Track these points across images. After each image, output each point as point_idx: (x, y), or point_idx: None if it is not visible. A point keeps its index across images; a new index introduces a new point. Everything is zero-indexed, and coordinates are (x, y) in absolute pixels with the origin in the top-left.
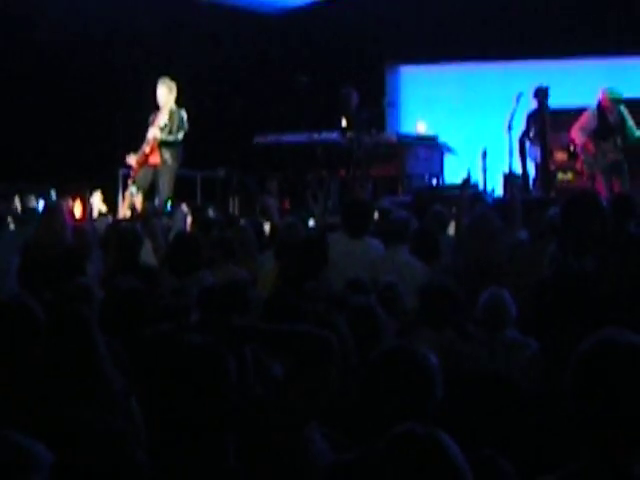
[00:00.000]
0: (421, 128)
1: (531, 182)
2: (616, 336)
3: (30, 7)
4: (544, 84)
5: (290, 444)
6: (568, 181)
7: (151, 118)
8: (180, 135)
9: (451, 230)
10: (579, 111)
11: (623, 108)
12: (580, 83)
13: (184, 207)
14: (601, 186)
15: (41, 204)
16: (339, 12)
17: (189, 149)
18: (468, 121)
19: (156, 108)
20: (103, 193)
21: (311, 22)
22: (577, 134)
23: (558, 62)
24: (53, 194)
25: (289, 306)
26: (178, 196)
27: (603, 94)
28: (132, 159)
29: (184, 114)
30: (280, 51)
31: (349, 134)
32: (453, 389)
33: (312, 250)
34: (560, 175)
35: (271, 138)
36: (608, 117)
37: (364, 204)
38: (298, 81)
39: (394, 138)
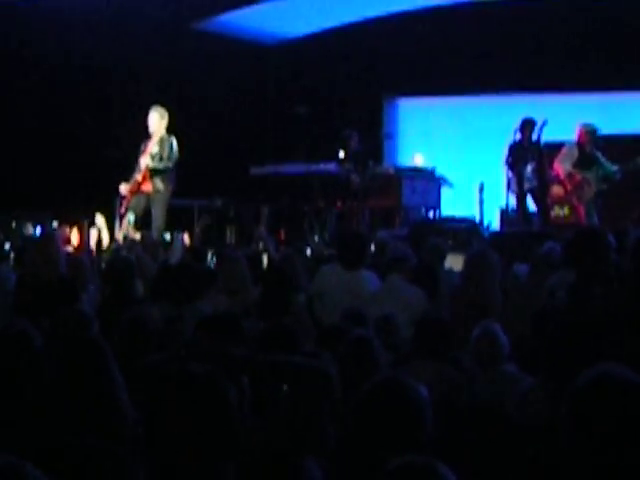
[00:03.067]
0: (418, 160)
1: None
2: (612, 371)
3: (29, 38)
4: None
5: (286, 474)
6: (564, 216)
7: (142, 146)
8: (171, 163)
9: (448, 263)
10: None
11: (598, 153)
12: (577, 117)
13: (185, 237)
14: (581, 216)
15: (38, 232)
16: (338, 43)
17: (186, 178)
18: (465, 154)
19: (147, 136)
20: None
21: (309, 53)
22: (560, 166)
23: (555, 96)
24: (54, 223)
25: (285, 337)
26: (175, 225)
27: (580, 128)
28: (124, 188)
29: (174, 141)
30: (278, 82)
31: (346, 166)
32: (448, 421)
33: (274, 280)
34: (556, 210)
35: (268, 169)
36: (586, 150)
37: (360, 236)
38: (296, 112)
39: (391, 170)
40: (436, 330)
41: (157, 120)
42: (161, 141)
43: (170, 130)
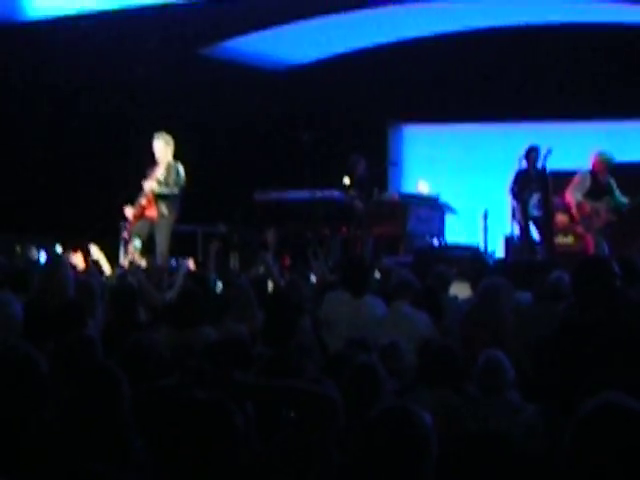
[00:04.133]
0: (423, 188)
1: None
2: (616, 401)
3: (32, 65)
4: (542, 147)
5: None
6: (568, 245)
7: (149, 172)
8: (176, 189)
9: (452, 290)
10: None
11: (612, 180)
12: (581, 146)
13: (190, 262)
14: (590, 246)
15: (42, 256)
16: (342, 70)
17: (190, 204)
18: (470, 181)
19: (153, 162)
20: (103, 245)
21: (314, 80)
22: (571, 195)
23: (560, 124)
24: (58, 248)
25: (289, 363)
26: (179, 251)
27: (596, 157)
28: (129, 211)
29: (181, 168)
30: (282, 108)
31: (351, 192)
32: (452, 449)
33: (279, 305)
34: (561, 238)
35: (272, 195)
36: (600, 179)
37: (364, 262)
38: (300, 138)
39: (396, 197)
40: (440, 357)
41: (163, 147)
42: (168, 167)
43: (176, 156)
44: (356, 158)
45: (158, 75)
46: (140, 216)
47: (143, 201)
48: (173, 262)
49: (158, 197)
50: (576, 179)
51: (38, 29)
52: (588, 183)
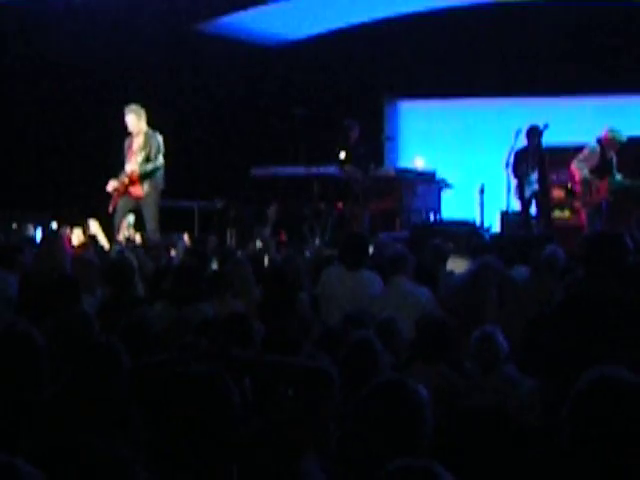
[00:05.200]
0: (419, 163)
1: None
2: (612, 374)
3: (30, 40)
4: (539, 123)
5: (287, 475)
6: (565, 219)
7: (126, 144)
8: (159, 160)
9: (449, 265)
10: (576, 149)
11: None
12: (576, 121)
13: (186, 238)
14: (583, 220)
15: (39, 233)
16: (338, 45)
17: (187, 180)
18: (466, 157)
19: (128, 134)
20: (101, 221)
21: (310, 55)
22: (577, 168)
23: (556, 99)
24: (53, 224)
25: (286, 339)
26: (176, 227)
27: (606, 133)
28: (112, 186)
29: (159, 136)
30: (279, 84)
31: (347, 167)
32: (448, 423)
33: (276, 280)
34: (557, 212)
35: (269, 170)
36: (607, 155)
37: (361, 237)
38: (296, 114)
39: (392, 173)
40: (437, 332)
41: (135, 120)
42: (146, 140)
43: (149, 124)
44: (349, 123)
45: (154, 50)
46: (123, 193)
47: (125, 179)
48: (174, 238)
49: (141, 176)
50: (585, 152)
51: (28, 4)
52: (596, 158)
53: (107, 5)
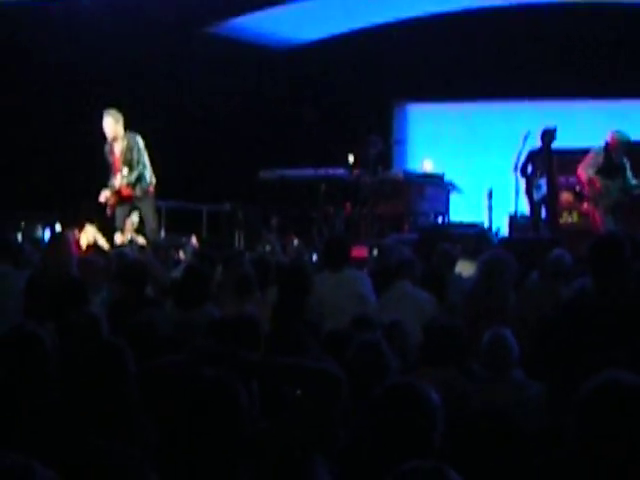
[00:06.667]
0: (428, 166)
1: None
2: (620, 378)
3: (35, 41)
4: (552, 125)
5: (294, 477)
6: (573, 223)
7: (107, 149)
8: (142, 164)
9: (457, 269)
10: (584, 152)
11: (626, 160)
12: (585, 124)
13: (194, 240)
14: (597, 222)
15: (47, 234)
16: (347, 49)
17: (195, 182)
18: (475, 160)
19: (104, 138)
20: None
21: (319, 58)
22: (584, 171)
23: (564, 102)
24: (58, 225)
25: (294, 341)
26: (184, 229)
27: (612, 135)
28: (104, 196)
29: (138, 138)
30: (287, 86)
31: (355, 171)
32: (456, 427)
33: (289, 280)
34: (565, 216)
35: (277, 173)
36: (613, 157)
37: (340, 239)
38: (305, 117)
39: (401, 176)
40: (444, 336)
41: (112, 124)
42: (126, 148)
43: (126, 127)
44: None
45: (163, 52)
46: (116, 202)
47: (114, 197)
48: (183, 240)
49: (129, 186)
50: (590, 155)
51: (41, 4)
52: (601, 160)
53: (115, 6)
